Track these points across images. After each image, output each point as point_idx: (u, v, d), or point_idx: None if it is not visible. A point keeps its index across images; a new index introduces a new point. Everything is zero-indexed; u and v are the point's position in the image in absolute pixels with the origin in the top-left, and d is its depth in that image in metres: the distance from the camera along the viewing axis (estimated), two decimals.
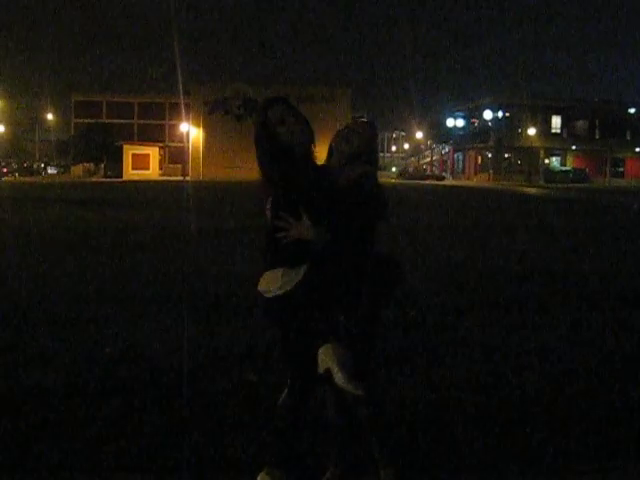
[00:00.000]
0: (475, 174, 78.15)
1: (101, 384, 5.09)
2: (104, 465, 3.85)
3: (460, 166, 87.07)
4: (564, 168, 75.22)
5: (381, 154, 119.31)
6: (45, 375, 5.29)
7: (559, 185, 61.78)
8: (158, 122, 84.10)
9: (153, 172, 72.06)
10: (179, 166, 76.29)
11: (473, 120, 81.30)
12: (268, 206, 3.38)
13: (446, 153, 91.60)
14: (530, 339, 6.58)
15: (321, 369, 3.18)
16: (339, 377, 3.11)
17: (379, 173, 3.69)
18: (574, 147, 76.30)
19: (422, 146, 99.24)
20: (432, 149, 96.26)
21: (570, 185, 62.06)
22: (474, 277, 9.92)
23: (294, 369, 3.42)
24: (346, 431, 3.72)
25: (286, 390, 3.47)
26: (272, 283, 3.31)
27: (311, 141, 3.41)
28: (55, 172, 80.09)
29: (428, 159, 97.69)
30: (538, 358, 5.90)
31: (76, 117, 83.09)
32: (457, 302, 8.13)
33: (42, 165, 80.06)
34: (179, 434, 4.18)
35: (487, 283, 9.54)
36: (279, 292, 3.28)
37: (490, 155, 76.62)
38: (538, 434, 4.33)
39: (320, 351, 3.20)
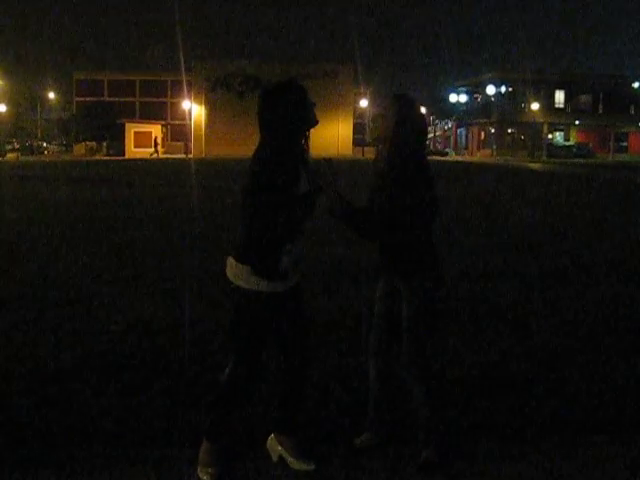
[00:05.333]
0: (478, 150, 77.80)
1: (109, 359, 5.18)
2: (111, 439, 3.92)
3: (463, 142, 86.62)
4: (567, 143, 74.81)
5: None
6: (55, 351, 5.38)
7: (562, 160, 61.45)
8: (160, 100, 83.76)
9: None
10: (181, 144, 76.03)
11: (476, 95, 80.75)
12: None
13: (449, 129, 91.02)
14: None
15: (274, 458, 3.66)
16: (291, 461, 3.60)
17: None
18: (577, 122, 75.86)
19: None
20: (435, 125, 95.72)
21: (574, 160, 61.68)
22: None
23: (240, 354, 3.50)
24: (384, 401, 3.83)
25: (227, 370, 3.53)
26: (237, 277, 3.42)
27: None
28: (56, 150, 79.80)
29: (431, 135, 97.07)
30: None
31: (78, 96, 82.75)
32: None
33: (44, 144, 79.77)
34: (185, 409, 4.26)
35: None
36: (245, 286, 3.40)
37: (493, 130, 76.18)
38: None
39: (268, 442, 3.70)
